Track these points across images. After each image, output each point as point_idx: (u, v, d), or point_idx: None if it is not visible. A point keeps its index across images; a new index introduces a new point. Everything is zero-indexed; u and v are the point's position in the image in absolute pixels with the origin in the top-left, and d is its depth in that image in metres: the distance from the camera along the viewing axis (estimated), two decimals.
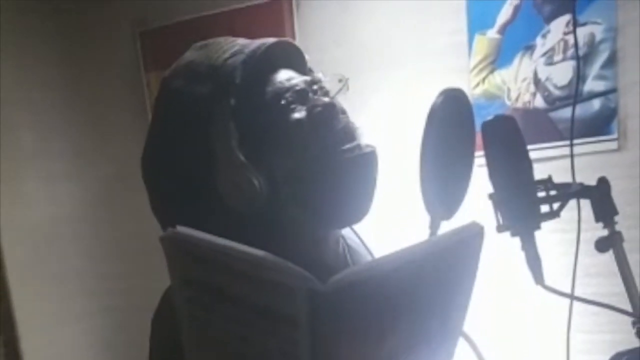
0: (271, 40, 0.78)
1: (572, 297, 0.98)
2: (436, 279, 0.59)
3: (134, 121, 2.57)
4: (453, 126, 0.75)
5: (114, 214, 2.69)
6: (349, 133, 0.76)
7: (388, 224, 2.01)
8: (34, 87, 2.53)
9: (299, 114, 0.75)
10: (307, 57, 0.84)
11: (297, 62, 0.82)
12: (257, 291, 0.55)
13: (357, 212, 0.77)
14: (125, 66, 2.59)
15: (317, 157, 0.73)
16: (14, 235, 2.36)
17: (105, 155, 2.68)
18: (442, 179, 0.74)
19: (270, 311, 0.55)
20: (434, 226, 0.78)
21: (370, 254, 0.92)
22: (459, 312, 0.65)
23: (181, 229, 0.57)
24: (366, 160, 0.75)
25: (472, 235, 0.61)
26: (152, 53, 2.52)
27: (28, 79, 2.50)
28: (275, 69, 0.78)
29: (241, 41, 0.79)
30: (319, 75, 0.80)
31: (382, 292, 0.55)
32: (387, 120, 2.13)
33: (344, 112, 0.78)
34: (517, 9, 1.96)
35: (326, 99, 0.76)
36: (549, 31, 1.94)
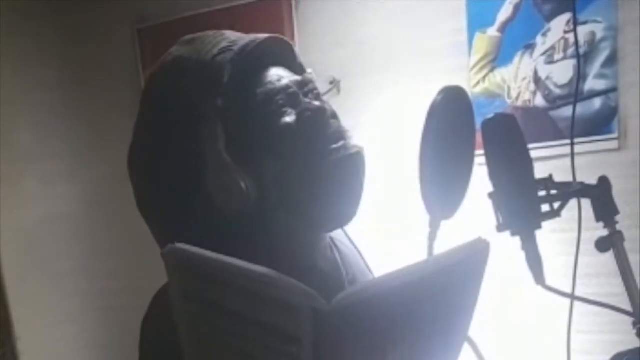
0: (262, 36, 0.76)
1: (572, 297, 0.97)
2: (440, 295, 0.59)
3: (132, 121, 2.54)
4: (453, 125, 0.74)
5: (111, 214, 2.69)
6: (339, 137, 0.74)
7: (389, 224, 2.01)
8: (32, 88, 2.52)
9: (289, 118, 0.73)
10: (297, 52, 0.81)
11: (288, 58, 0.80)
12: (260, 308, 0.54)
13: (344, 214, 0.76)
14: (123, 65, 2.59)
15: (305, 161, 0.72)
16: (11, 235, 2.35)
17: (103, 156, 2.67)
18: (442, 178, 0.73)
19: (273, 328, 0.54)
20: (433, 226, 0.77)
21: (361, 256, 0.91)
22: (462, 326, 0.64)
23: (183, 245, 0.56)
24: (352, 161, 0.74)
25: (478, 252, 0.61)
26: (150, 50, 2.51)
27: (26, 80, 2.50)
28: (265, 66, 0.75)
29: (230, 36, 0.76)
30: (310, 75, 0.78)
31: (386, 310, 0.54)
32: (388, 119, 2.13)
33: (334, 116, 0.77)
34: (517, 7, 1.96)
35: (317, 103, 0.74)
36: (549, 30, 1.93)
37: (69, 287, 2.61)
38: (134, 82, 2.56)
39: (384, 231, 1.96)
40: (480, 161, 0.84)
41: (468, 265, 0.61)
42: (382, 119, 2.12)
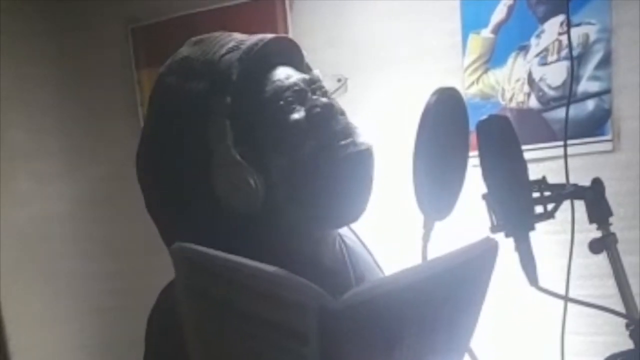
0: (269, 36, 0.76)
1: (566, 298, 0.97)
2: (447, 295, 0.59)
3: (127, 120, 2.56)
4: (447, 126, 0.74)
5: (106, 214, 2.68)
6: (347, 133, 0.75)
7: (384, 224, 2.01)
8: (27, 87, 2.52)
9: (297, 115, 0.73)
10: (305, 54, 0.82)
11: (294, 59, 0.80)
12: (268, 307, 0.54)
13: (353, 210, 0.76)
14: (117, 64, 2.58)
15: (313, 157, 0.72)
16: (5, 234, 2.34)
17: (98, 155, 2.67)
18: (436, 179, 0.73)
19: (281, 327, 0.54)
20: (427, 227, 0.77)
21: (369, 252, 0.92)
22: (468, 326, 0.64)
23: (190, 244, 0.56)
24: (361, 157, 0.74)
25: (486, 251, 0.61)
26: (144, 50, 2.51)
27: (21, 78, 2.49)
28: (272, 66, 0.76)
29: (238, 36, 0.77)
30: (317, 73, 0.79)
31: (393, 309, 0.55)
32: (382, 120, 2.13)
33: (342, 113, 0.77)
34: (511, 8, 1.96)
35: (325, 100, 0.75)
36: (543, 31, 1.94)
37: (62, 287, 2.60)
38: (128, 81, 2.56)
39: (378, 231, 1.96)
40: (474, 162, 0.83)
41: (476, 264, 0.61)
42: (376, 119, 2.12)
